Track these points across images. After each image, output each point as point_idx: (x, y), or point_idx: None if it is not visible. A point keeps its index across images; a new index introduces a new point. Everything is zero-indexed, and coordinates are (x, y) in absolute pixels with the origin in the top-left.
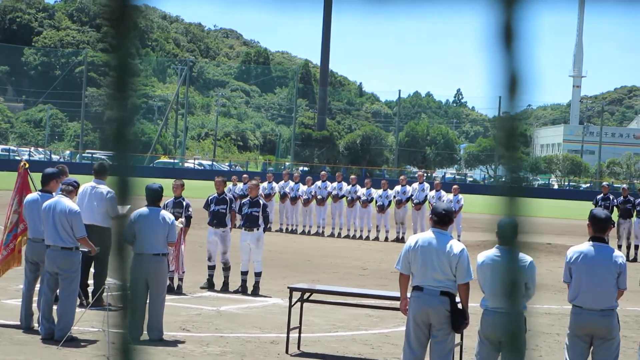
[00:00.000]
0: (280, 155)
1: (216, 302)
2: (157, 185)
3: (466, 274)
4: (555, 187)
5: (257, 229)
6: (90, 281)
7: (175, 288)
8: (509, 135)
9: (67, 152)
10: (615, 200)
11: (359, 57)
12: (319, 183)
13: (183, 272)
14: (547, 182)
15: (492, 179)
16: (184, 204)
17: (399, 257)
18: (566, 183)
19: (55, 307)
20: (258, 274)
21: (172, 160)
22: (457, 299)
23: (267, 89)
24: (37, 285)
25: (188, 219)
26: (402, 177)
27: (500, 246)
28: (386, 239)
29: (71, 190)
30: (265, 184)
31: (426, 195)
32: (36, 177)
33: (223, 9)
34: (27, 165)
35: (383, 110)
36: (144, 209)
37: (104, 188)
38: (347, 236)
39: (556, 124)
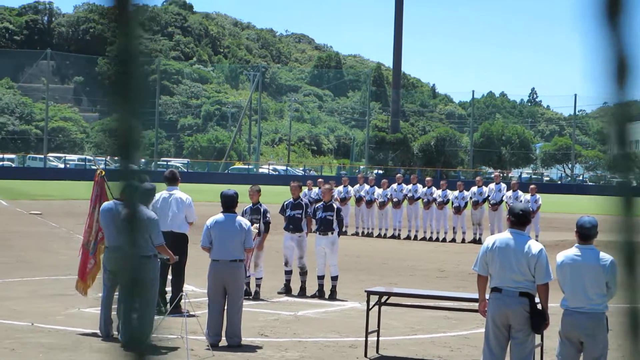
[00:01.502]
0: (355, 159)
1: (294, 307)
2: (232, 192)
3: (545, 274)
4: (634, 184)
5: (332, 233)
6: (168, 288)
7: (253, 294)
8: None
9: (142, 160)
10: None
11: (432, 59)
12: (394, 186)
13: (259, 278)
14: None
15: (569, 178)
16: (262, 209)
17: (477, 258)
18: None
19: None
20: (335, 278)
21: (246, 166)
22: (537, 300)
23: (340, 92)
24: (116, 294)
25: (267, 225)
26: (478, 178)
27: (579, 245)
28: (463, 241)
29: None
30: (340, 188)
31: (503, 196)
32: (113, 187)
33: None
34: (103, 174)
35: (457, 111)
36: (219, 216)
37: (180, 194)
38: (424, 238)
39: (634, 120)
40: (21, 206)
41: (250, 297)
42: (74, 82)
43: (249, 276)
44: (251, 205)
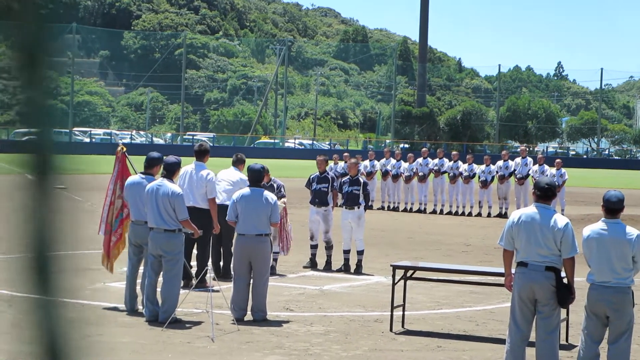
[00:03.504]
0: (381, 133)
1: (319, 282)
2: (259, 166)
3: (571, 248)
4: None
5: (358, 207)
6: (193, 263)
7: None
8: None
9: (169, 134)
10: None
11: (458, 33)
12: (420, 160)
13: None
14: None
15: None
16: (275, 185)
17: (502, 233)
18: None
19: (159, 290)
20: (360, 252)
21: (272, 141)
22: (563, 274)
23: (366, 67)
24: (141, 268)
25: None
26: (504, 152)
27: (606, 219)
28: (489, 215)
29: (174, 171)
30: (367, 162)
31: (529, 170)
32: (137, 161)
33: None
34: (124, 149)
35: (483, 85)
36: (246, 190)
37: (203, 170)
38: (450, 212)
39: None
40: None
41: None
42: (100, 56)
43: (277, 252)
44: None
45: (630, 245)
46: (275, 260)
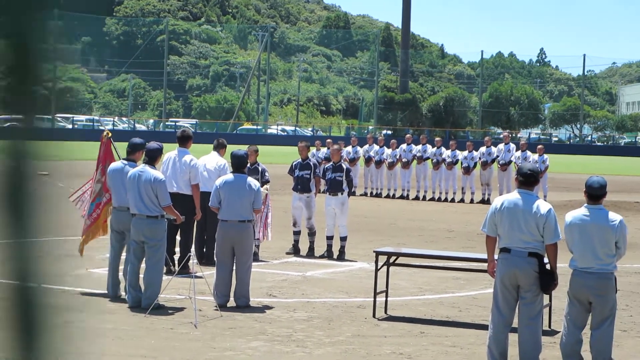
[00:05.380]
0: (363, 119)
1: (302, 268)
2: (242, 152)
3: (554, 234)
4: None
5: (341, 194)
6: (177, 249)
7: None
8: None
9: (151, 120)
10: None
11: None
12: (403, 146)
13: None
14: (633, 140)
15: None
16: (260, 169)
17: (485, 219)
18: None
19: (141, 276)
20: (343, 239)
21: (255, 127)
22: (546, 260)
23: (349, 53)
24: (123, 254)
25: (266, 183)
26: (487, 138)
27: (588, 205)
28: (472, 201)
29: (156, 157)
30: (349, 148)
31: (512, 156)
32: (120, 147)
33: None
34: (109, 135)
35: (466, 71)
36: (229, 176)
37: (186, 156)
38: (432, 199)
39: None
40: None
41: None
42: (82, 42)
43: (258, 238)
44: (249, 165)
45: (612, 231)
46: (257, 246)
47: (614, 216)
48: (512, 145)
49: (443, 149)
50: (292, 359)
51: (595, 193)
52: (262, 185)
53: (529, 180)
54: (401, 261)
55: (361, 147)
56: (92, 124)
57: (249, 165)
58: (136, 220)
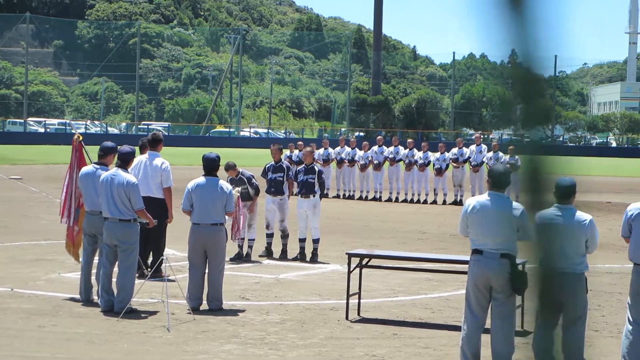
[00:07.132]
0: (336, 121)
1: (275, 270)
2: (214, 155)
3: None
4: (614, 145)
5: (314, 196)
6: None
7: (244, 255)
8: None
9: (123, 124)
10: None
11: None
12: (375, 148)
13: (251, 239)
14: (605, 141)
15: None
16: (245, 177)
17: (459, 222)
18: (624, 141)
19: (114, 280)
20: (316, 241)
21: (227, 130)
22: (518, 260)
23: (321, 55)
24: (96, 258)
25: (257, 189)
26: (459, 140)
27: (559, 205)
28: (444, 202)
29: (129, 160)
30: (321, 151)
31: (484, 157)
32: (92, 151)
33: None
34: (81, 138)
35: (438, 73)
36: (201, 179)
37: (157, 159)
38: (405, 200)
39: (613, 81)
40: (1, 171)
41: (240, 259)
42: (54, 45)
43: (239, 239)
44: (231, 178)
45: (583, 230)
46: (250, 247)
47: (584, 215)
48: (484, 146)
49: (415, 150)
50: None
51: (565, 192)
52: (255, 190)
53: (500, 181)
54: (374, 263)
55: (333, 149)
56: (64, 127)
57: (231, 178)
58: (109, 223)
